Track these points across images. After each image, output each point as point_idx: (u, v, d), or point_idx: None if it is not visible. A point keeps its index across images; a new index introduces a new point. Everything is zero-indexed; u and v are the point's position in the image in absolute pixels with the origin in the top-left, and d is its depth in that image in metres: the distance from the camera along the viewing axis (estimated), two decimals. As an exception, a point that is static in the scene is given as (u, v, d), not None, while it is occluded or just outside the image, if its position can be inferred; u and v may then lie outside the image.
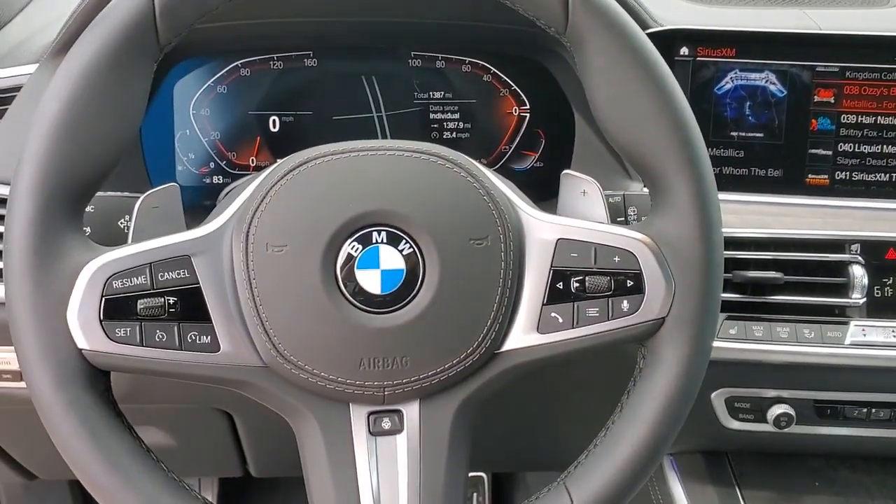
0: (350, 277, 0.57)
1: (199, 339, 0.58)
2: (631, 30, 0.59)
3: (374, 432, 0.60)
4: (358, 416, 0.59)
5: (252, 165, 0.89)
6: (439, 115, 0.91)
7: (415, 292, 0.58)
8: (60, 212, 0.56)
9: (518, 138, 0.92)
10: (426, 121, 0.91)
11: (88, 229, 0.69)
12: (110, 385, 0.59)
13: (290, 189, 0.58)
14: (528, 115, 0.92)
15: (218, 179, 0.89)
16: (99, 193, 0.62)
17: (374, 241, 0.58)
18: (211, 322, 0.58)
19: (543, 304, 0.60)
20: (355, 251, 0.58)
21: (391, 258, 0.58)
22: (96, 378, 0.57)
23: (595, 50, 0.59)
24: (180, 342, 0.57)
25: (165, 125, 0.88)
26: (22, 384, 0.57)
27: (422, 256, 0.58)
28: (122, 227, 0.71)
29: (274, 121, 0.89)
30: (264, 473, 1.11)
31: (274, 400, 0.60)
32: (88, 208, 0.67)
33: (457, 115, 0.91)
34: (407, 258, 0.58)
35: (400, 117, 0.90)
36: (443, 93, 0.90)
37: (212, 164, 0.89)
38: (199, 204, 0.87)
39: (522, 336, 0.60)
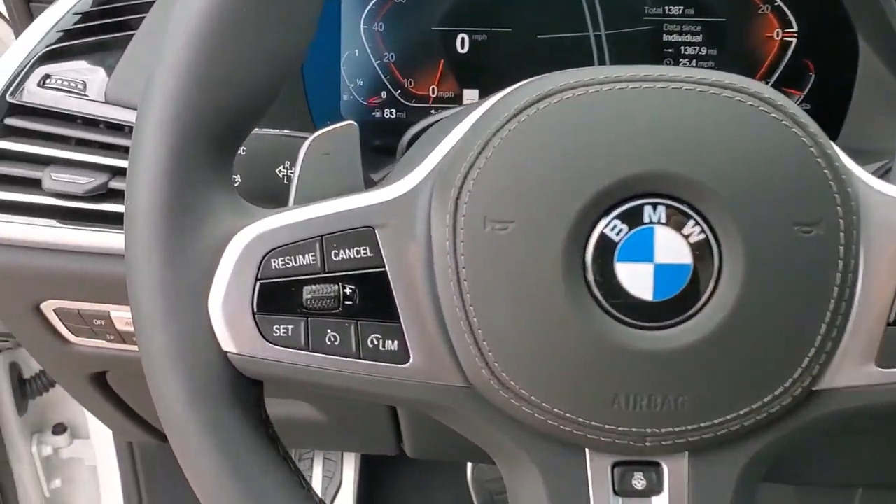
0: (606, 273, 0.39)
1: (384, 345, 0.41)
2: None
3: (622, 492, 0.42)
4: (598, 468, 0.41)
5: (432, 96, 0.71)
6: (676, 38, 0.69)
7: (704, 300, 0.39)
8: (204, 156, 0.40)
9: (779, 71, 0.69)
10: (658, 44, 0.69)
11: (238, 178, 0.53)
12: (263, 399, 0.43)
13: (521, 138, 0.39)
14: (794, 40, 0.69)
15: (390, 113, 0.71)
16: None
17: (646, 219, 0.39)
18: (399, 322, 0.41)
19: (888, 324, 0.40)
20: (617, 234, 0.39)
21: (671, 247, 0.39)
22: (245, 391, 0.41)
23: None
24: (358, 347, 0.41)
25: (330, 43, 0.70)
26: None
27: (718, 246, 0.39)
28: (280, 176, 0.54)
29: (462, 39, 0.70)
30: (420, 455, 0.96)
31: (477, 432, 0.43)
32: (241, 150, 0.50)
33: (699, 38, 0.69)
34: (695, 248, 0.39)
35: (624, 38, 0.69)
36: (682, 8, 0.69)
37: (383, 94, 0.71)
38: (366, 143, 0.70)
39: (853, 369, 0.40)
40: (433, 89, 0.71)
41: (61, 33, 0.67)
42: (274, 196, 0.51)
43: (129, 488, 1.12)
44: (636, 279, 0.39)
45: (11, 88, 0.64)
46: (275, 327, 0.40)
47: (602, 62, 0.69)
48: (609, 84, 0.39)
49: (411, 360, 0.41)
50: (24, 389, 1.11)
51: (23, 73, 0.65)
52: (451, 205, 0.39)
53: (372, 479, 1.21)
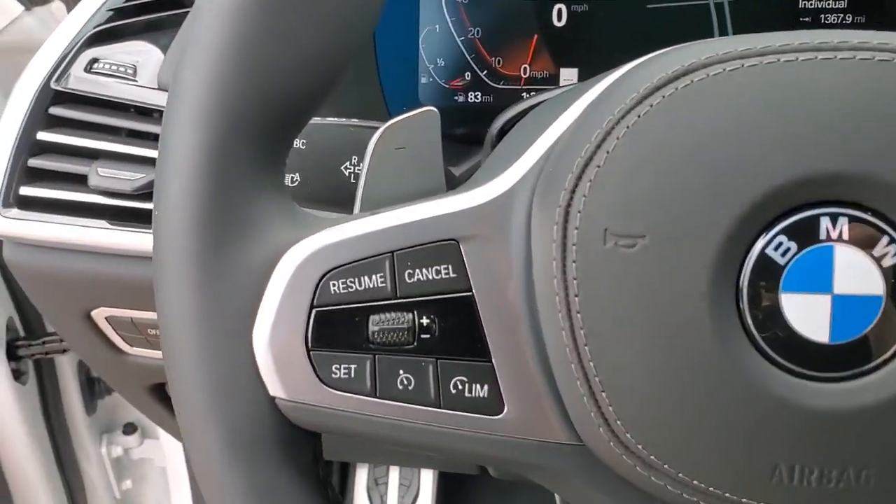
0: (767, 306, 0.29)
1: (470, 390, 0.32)
2: None
3: None
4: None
5: (524, 76, 0.61)
6: (814, 3, 0.58)
7: None
8: (249, 152, 0.32)
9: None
10: (791, 11, 0.59)
11: (297, 177, 0.45)
12: (321, 456, 0.35)
13: (655, 126, 0.30)
14: (962, 3, 0.57)
15: (475, 97, 0.62)
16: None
17: (822, 236, 0.29)
18: (490, 361, 0.32)
19: None
20: (782, 255, 0.29)
21: (857, 273, 0.29)
22: (297, 446, 0.33)
23: None
24: (438, 393, 0.32)
25: (407, 18, 0.62)
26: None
27: None
28: (346, 174, 0.45)
29: (559, 10, 0.60)
30: (506, 475, 0.88)
31: (587, 501, 0.34)
32: (298, 143, 0.43)
33: (843, 3, 0.58)
34: (890, 275, 0.29)
35: (749, 5, 0.59)
36: (822, -34, 0.58)
37: (468, 75, 0.62)
38: (448, 132, 0.61)
39: None
40: (525, 69, 0.61)
41: (111, 12, 0.60)
42: (339, 199, 0.43)
43: (198, 491, 1.08)
44: (807, 315, 0.29)
45: (56, 74, 0.58)
46: (334, 367, 0.32)
47: (723, 32, 0.59)
48: (772, 55, 0.30)
49: (505, 410, 0.32)
50: (93, 389, 1.07)
51: (69, 57, 0.58)
52: (559, 214, 0.30)
53: (451, 492, 1.13)
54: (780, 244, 0.29)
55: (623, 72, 0.33)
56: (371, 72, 0.61)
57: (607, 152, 0.30)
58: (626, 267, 0.30)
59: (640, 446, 0.30)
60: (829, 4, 0.58)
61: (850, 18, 0.58)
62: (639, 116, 0.30)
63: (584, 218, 0.30)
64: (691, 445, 0.30)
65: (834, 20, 0.58)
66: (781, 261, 0.29)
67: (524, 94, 0.61)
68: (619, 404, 0.30)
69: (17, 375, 0.94)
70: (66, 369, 1.01)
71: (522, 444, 0.33)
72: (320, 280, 0.32)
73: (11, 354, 0.93)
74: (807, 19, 0.58)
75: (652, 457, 0.30)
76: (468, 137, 0.59)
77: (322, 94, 0.34)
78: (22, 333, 0.96)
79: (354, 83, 0.61)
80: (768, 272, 0.29)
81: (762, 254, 0.29)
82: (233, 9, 0.31)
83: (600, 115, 0.31)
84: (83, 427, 1.06)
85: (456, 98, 0.62)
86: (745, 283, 0.29)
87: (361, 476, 1.07)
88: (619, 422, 0.30)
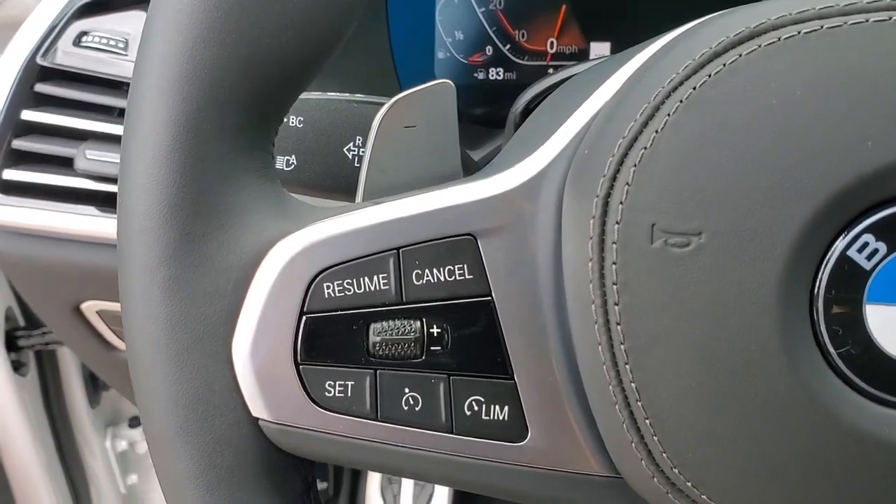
0: (848, 319, 0.24)
1: (488, 412, 0.28)
2: None
3: None
4: None
5: (550, 52, 0.56)
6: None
7: None
8: (229, 130, 0.27)
9: None
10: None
11: (292, 160, 0.40)
12: (314, 485, 0.30)
13: (715, 102, 0.25)
14: None
15: (497, 74, 0.57)
16: (305, 95, 0.33)
17: (920, 235, 0.24)
18: (512, 378, 0.27)
19: None
20: (868, 257, 0.24)
21: (962, 281, 0.24)
22: (286, 475, 0.29)
23: None
24: (449, 415, 0.28)
25: (422, -13, 0.57)
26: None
27: None
28: (350, 157, 0.40)
29: (590, -21, 0.55)
30: None
31: None
32: (294, 121, 0.38)
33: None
34: None
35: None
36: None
37: (489, 50, 0.57)
38: (466, 113, 0.56)
39: None
40: (552, 43, 0.56)
41: (102, -19, 0.56)
42: (342, 186, 0.38)
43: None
44: (894, 331, 0.24)
45: (43, 48, 0.54)
46: (327, 384, 0.27)
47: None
48: (859, 14, 0.24)
49: (529, 436, 0.27)
50: (97, 381, 1.03)
51: (56, 30, 0.54)
52: (597, 205, 0.25)
53: (468, 492, 1.09)
54: (866, 244, 0.24)
55: (674, 35, 0.28)
56: (383, 46, 0.56)
57: (656, 131, 0.25)
58: (678, 270, 0.24)
59: (689, 484, 0.25)
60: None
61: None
62: (694, 88, 0.25)
63: (628, 211, 0.25)
64: (752, 485, 0.25)
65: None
66: (867, 265, 0.24)
67: (550, 69, 0.56)
68: (665, 434, 0.25)
69: (18, 367, 0.90)
70: (69, 361, 0.97)
71: (548, 477, 0.28)
72: (312, 281, 0.27)
73: (11, 345, 0.90)
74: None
75: (704, 496, 0.25)
76: (489, 118, 0.55)
77: (317, 62, 0.29)
78: (22, 323, 0.93)
79: (363, 58, 0.56)
80: (850, 278, 0.24)
81: (843, 256, 0.24)
82: None
83: (647, 86, 0.26)
84: (87, 420, 1.02)
85: (475, 75, 0.57)
86: (821, 292, 0.24)
87: (375, 474, 1.02)
88: (664, 454, 0.25)
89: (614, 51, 0.54)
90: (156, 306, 0.27)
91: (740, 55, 0.25)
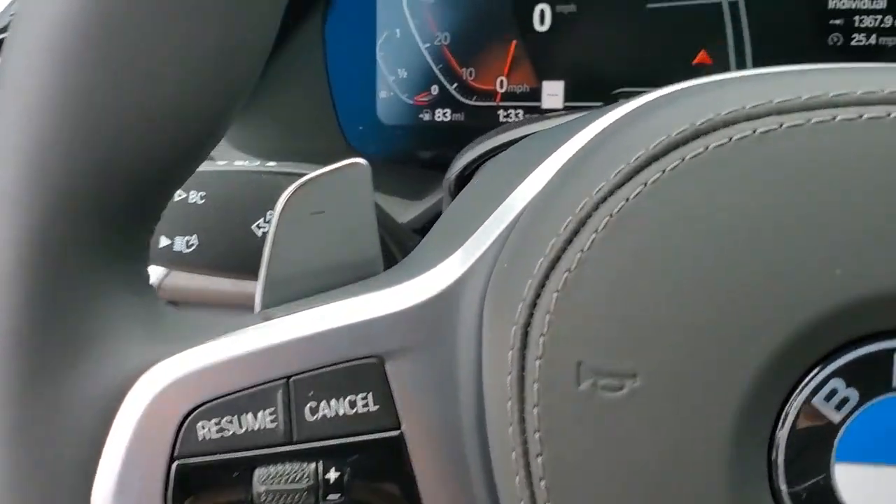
0: (814, 483, 0.20)
1: None
2: None
3: None
4: None
5: (500, 91, 0.52)
6: (846, 4, 0.49)
7: None
8: (86, 243, 0.23)
9: None
10: (820, 14, 0.49)
11: (193, 240, 0.35)
12: None
13: (647, 218, 0.21)
14: None
15: (443, 115, 0.53)
16: (207, 166, 0.29)
17: (897, 383, 0.20)
18: (424, 530, 0.23)
19: None
20: (836, 407, 0.20)
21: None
22: None
23: None
24: None
25: (362, 21, 0.52)
26: None
27: None
28: (259, 236, 0.35)
29: (542, 12, 0.51)
30: None
31: None
32: (195, 196, 0.34)
33: (881, 3, 0.48)
34: None
35: (769, 5, 0.49)
36: (856, -41, 0.48)
37: (434, 89, 0.53)
38: (412, 156, 0.52)
39: None
40: (501, 82, 0.52)
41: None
42: (251, 266, 0.34)
43: None
44: (871, 498, 0.20)
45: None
46: None
47: (738, 39, 0.49)
48: (824, 110, 0.20)
49: None
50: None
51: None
52: (515, 335, 0.21)
53: None
54: (835, 392, 0.20)
55: (610, 120, 0.24)
56: (321, 84, 0.52)
57: (581, 251, 0.21)
58: (609, 419, 0.20)
59: None
60: (864, 4, 0.48)
61: (890, 21, 0.48)
62: (626, 200, 0.21)
63: (550, 344, 0.21)
64: None
65: (870, 24, 0.48)
66: (836, 416, 0.20)
67: (500, 111, 0.52)
68: None
69: None
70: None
71: None
72: (184, 420, 0.23)
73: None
74: (837, 22, 0.49)
75: None
76: (435, 162, 0.50)
77: (195, 155, 0.24)
78: None
79: (301, 97, 0.52)
80: (816, 433, 0.20)
81: (808, 405, 0.20)
82: (49, 40, 0.22)
83: (573, 193, 0.21)
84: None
85: (421, 116, 0.53)
86: (782, 450, 0.20)
87: None
88: None
89: (568, 91, 0.50)
90: (0, 455, 0.22)
91: (683, 159, 0.21)
